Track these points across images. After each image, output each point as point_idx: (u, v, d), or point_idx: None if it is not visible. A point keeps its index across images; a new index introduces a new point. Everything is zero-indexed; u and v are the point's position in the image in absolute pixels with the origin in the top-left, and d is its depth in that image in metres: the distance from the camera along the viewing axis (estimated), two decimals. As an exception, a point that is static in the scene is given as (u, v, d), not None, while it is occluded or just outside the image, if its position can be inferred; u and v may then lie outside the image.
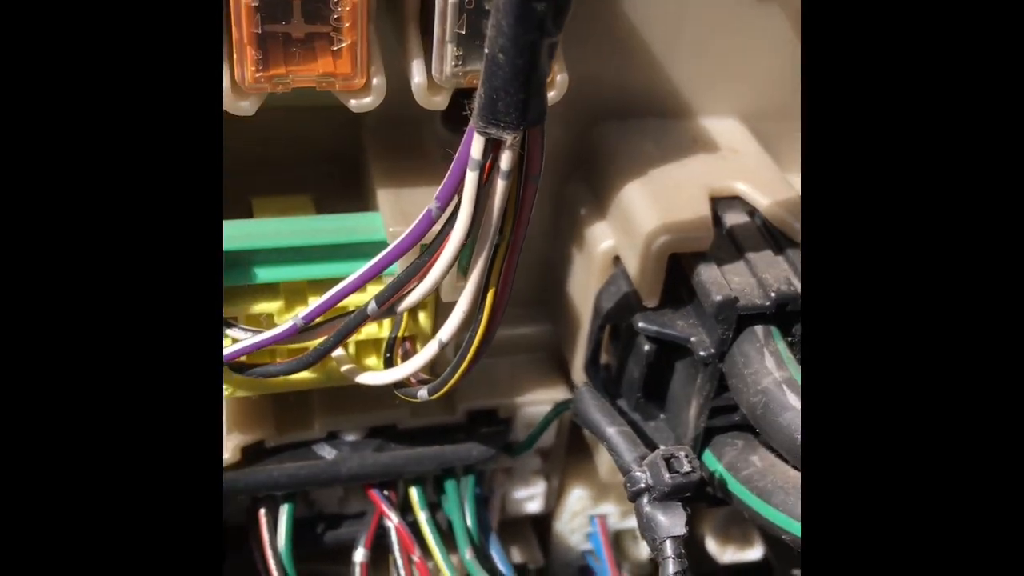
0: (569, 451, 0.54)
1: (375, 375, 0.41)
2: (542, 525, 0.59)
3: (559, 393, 0.51)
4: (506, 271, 0.36)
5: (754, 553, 0.61)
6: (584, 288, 0.47)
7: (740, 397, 0.41)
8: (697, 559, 0.63)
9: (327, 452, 0.48)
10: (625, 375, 0.46)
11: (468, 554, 0.48)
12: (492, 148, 0.32)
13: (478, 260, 0.36)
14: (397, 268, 0.38)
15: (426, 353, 0.39)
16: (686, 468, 0.39)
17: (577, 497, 0.56)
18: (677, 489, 0.39)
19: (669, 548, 0.39)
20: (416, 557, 0.48)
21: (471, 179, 0.33)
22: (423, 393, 0.41)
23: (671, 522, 0.39)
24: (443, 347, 0.38)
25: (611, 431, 0.42)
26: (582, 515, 0.57)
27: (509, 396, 0.50)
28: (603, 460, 0.49)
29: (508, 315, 0.52)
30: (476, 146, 0.32)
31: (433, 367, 0.44)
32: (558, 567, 0.59)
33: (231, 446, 0.46)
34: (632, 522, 0.58)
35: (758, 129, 0.47)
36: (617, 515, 0.57)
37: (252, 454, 0.47)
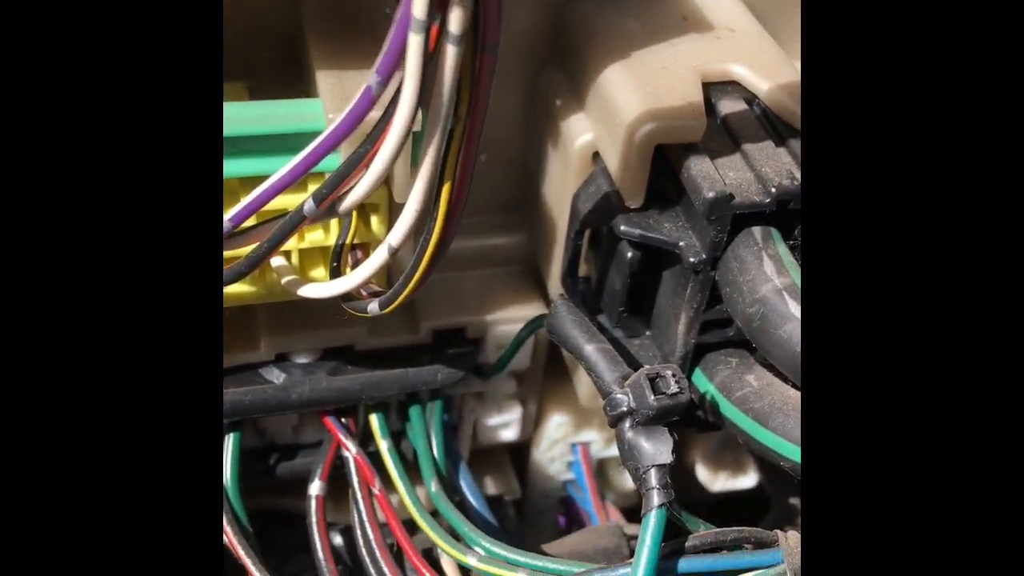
0: (548, 374, 0.49)
1: (319, 287, 0.36)
2: (520, 454, 0.54)
3: (534, 310, 0.46)
4: (463, 162, 0.31)
5: (748, 480, 0.58)
6: (561, 190, 0.41)
7: (735, 308, 0.36)
8: (686, 487, 0.59)
9: (275, 376, 0.43)
10: (606, 287, 0.41)
11: (434, 486, 0.44)
12: (438, 6, 0.27)
13: (429, 149, 0.30)
14: (339, 161, 0.33)
15: (374, 261, 0.34)
16: (673, 389, 0.34)
17: (556, 424, 0.51)
18: (663, 412, 0.34)
19: (654, 478, 0.34)
20: (376, 489, 0.44)
21: (415, 44, 0.27)
22: (373, 307, 0.36)
23: (656, 449, 0.35)
24: (394, 253, 0.34)
25: (589, 349, 0.37)
26: (562, 443, 0.53)
27: (479, 313, 0.45)
28: (583, 383, 0.45)
29: (478, 224, 0.47)
30: (418, 2, 0.26)
31: (389, 278, 0.39)
32: (537, 498, 0.55)
33: (166, 369, 0.41)
34: (615, 450, 0.54)
35: (756, 6, 0.42)
36: (600, 442, 0.53)
37: (191, 378, 0.42)
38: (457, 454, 0.47)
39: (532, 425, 0.51)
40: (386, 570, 0.42)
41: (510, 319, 0.46)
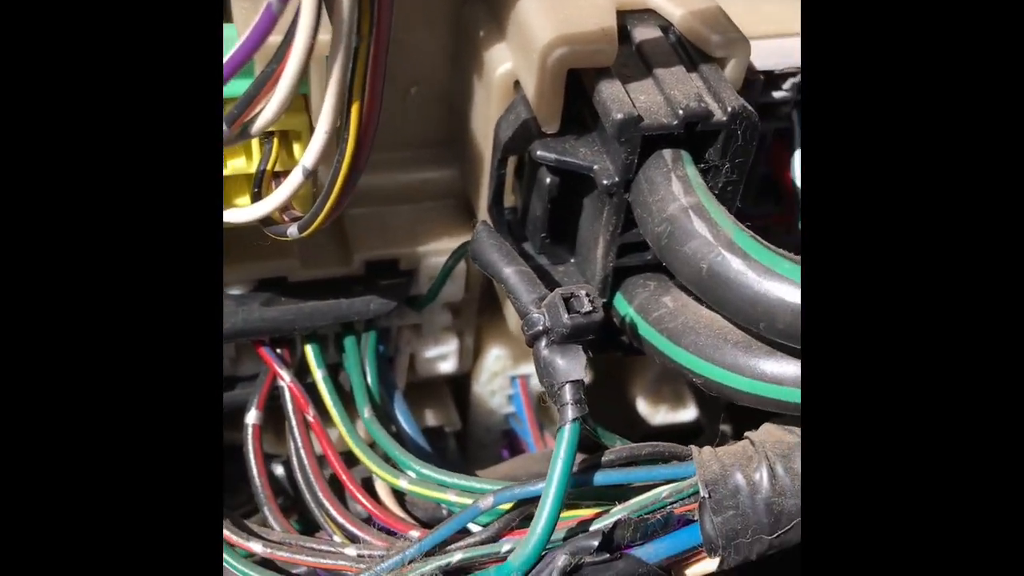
0: (486, 308, 0.50)
1: (239, 211, 0.37)
2: (462, 388, 0.55)
3: (465, 240, 0.47)
4: (371, 81, 0.32)
5: (687, 414, 0.59)
6: (485, 120, 0.42)
7: (645, 228, 0.37)
8: (629, 422, 0.60)
9: (209, 307, 0.44)
10: (529, 214, 0.42)
11: (367, 412, 0.45)
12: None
13: (334, 68, 0.31)
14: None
15: (289, 183, 0.35)
16: (587, 307, 0.35)
17: (495, 357, 0.52)
18: (577, 330, 0.35)
19: (568, 393, 0.35)
20: (311, 416, 0.45)
21: (310, -40, 0.28)
22: (293, 230, 0.36)
23: (569, 366, 0.35)
24: (309, 175, 0.34)
25: (508, 271, 0.38)
26: (502, 376, 0.54)
27: (411, 245, 0.46)
28: (512, 311, 0.45)
29: (410, 158, 0.48)
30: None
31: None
32: (480, 431, 0.56)
33: (98, 300, 0.42)
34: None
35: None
36: (539, 375, 0.54)
37: (124, 309, 0.42)
38: (392, 385, 0.48)
39: (471, 358, 0.52)
40: (323, 498, 0.43)
41: (442, 251, 0.46)
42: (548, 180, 0.39)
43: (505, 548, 0.39)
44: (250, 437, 0.45)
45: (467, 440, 0.56)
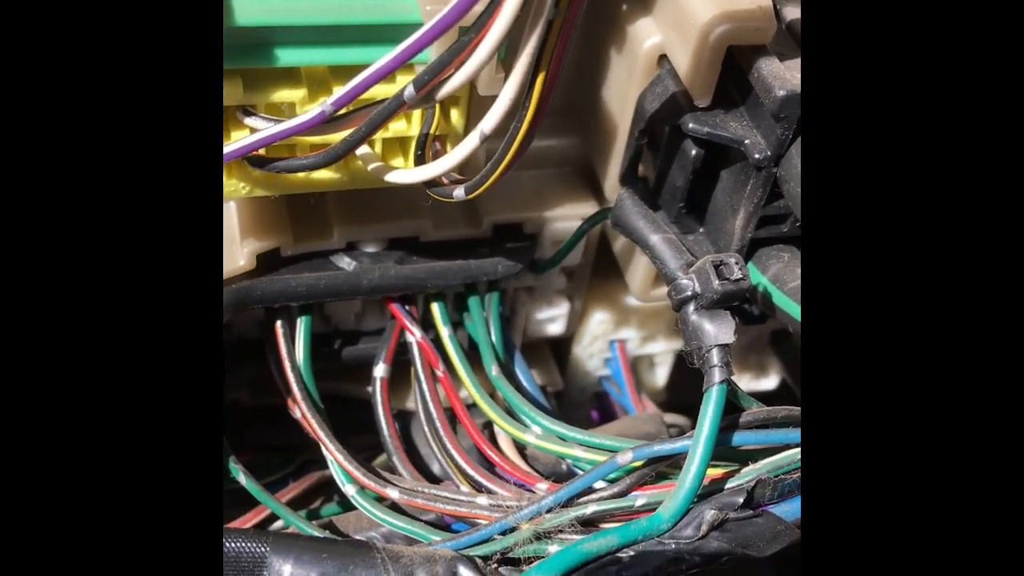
0: (593, 273, 0.52)
1: (406, 173, 0.39)
2: (559, 349, 0.57)
3: (588, 208, 0.48)
4: (559, 53, 0.33)
5: (770, 383, 0.61)
6: (623, 92, 0.43)
7: (796, 202, 0.38)
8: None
9: (346, 263, 0.45)
10: (666, 184, 0.43)
11: (495, 370, 0.47)
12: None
13: (531, 39, 0.32)
14: (430, 54, 0.35)
15: (466, 146, 0.36)
16: (736, 275, 0.37)
17: (599, 321, 0.54)
18: (726, 296, 0.37)
19: (716, 356, 0.37)
20: (440, 371, 0.46)
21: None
22: (459, 192, 0.38)
23: (718, 330, 0.37)
24: (485, 140, 0.36)
25: (655, 238, 0.40)
26: (602, 339, 0.55)
27: (536, 210, 0.48)
28: (636, 278, 0.47)
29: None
30: None
31: (462, 170, 0.41)
32: (574, 392, 0.58)
33: (246, 252, 0.43)
34: (650, 348, 0.57)
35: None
36: (637, 341, 0.56)
37: (267, 262, 0.44)
38: (512, 343, 0.49)
39: (576, 321, 0.54)
40: (452, 449, 0.45)
41: (564, 216, 0.48)
42: (693, 152, 0.41)
43: (639, 502, 0.41)
44: (379, 389, 0.46)
45: (561, 399, 0.58)
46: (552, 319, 0.53)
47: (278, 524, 0.48)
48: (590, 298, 0.54)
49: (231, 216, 0.44)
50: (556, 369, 0.56)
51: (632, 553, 0.36)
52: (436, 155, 0.40)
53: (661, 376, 0.59)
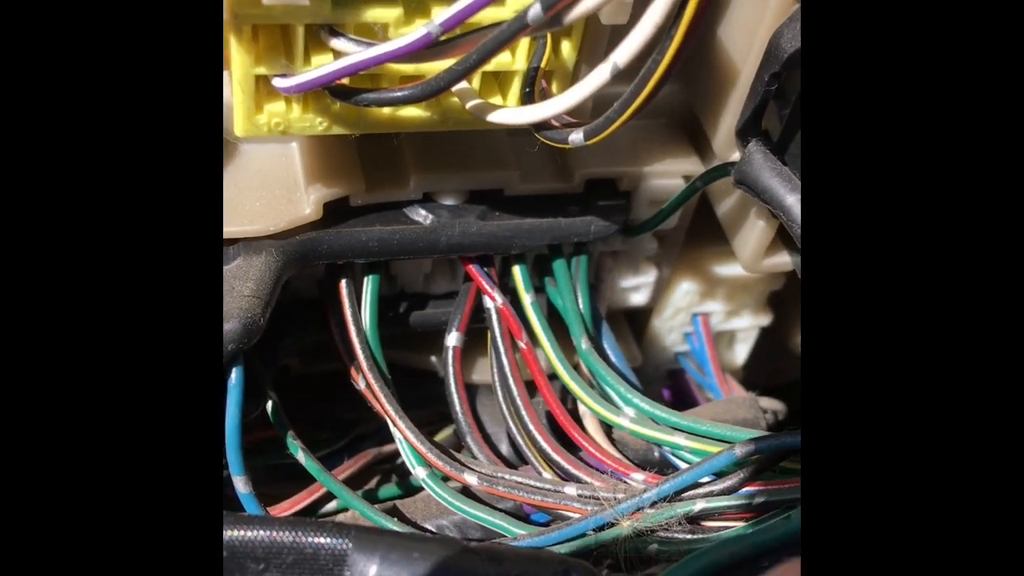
0: (688, 239, 0.47)
1: (513, 112, 0.33)
2: (634, 322, 0.52)
3: (689, 165, 0.43)
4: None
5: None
6: (750, 29, 0.38)
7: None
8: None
9: (422, 216, 0.40)
10: (796, 140, 0.38)
11: (584, 343, 0.42)
12: None
13: (687, -48, 0.27)
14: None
15: (593, 81, 0.31)
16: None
17: (684, 291, 0.49)
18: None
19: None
20: (523, 343, 0.41)
21: None
22: (576, 137, 0.32)
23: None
24: (616, 73, 0.30)
25: (792, 200, 0.35)
26: (685, 312, 0.50)
27: (633, 164, 0.42)
28: (747, 245, 0.41)
29: (631, 69, 0.44)
30: None
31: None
32: (649, 368, 0.53)
33: (312, 199, 0.38)
34: (734, 324, 0.52)
35: None
36: (722, 315, 0.51)
37: (335, 212, 0.39)
38: (599, 314, 0.44)
39: (661, 291, 0.49)
40: (535, 431, 0.40)
41: (663, 173, 0.43)
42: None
43: (758, 500, 0.36)
44: (451, 360, 0.41)
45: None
46: (637, 288, 0.48)
47: (331, 506, 0.44)
48: (677, 266, 0.48)
49: (294, 159, 0.39)
50: (634, 343, 0.51)
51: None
52: (542, 93, 0.35)
53: (741, 354, 0.54)
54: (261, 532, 0.29)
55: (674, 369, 0.54)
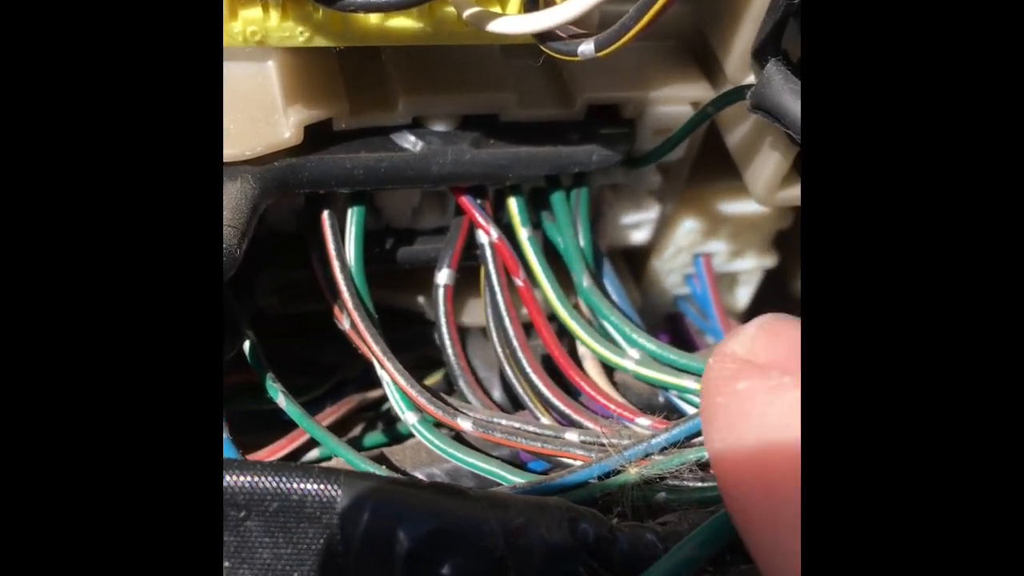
0: (693, 173, 0.44)
1: (516, 21, 0.30)
2: (632, 262, 0.49)
3: (698, 91, 0.40)
4: None
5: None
6: (769, -60, 0.35)
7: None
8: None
9: (411, 143, 0.37)
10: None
11: (586, 280, 0.39)
12: None
13: None
14: None
15: (606, -17, 0.28)
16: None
17: (687, 230, 0.46)
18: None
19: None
20: (520, 280, 0.39)
21: None
22: (586, 48, 0.29)
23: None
24: (631, -25, 0.27)
25: (817, 121, 0.32)
26: (687, 252, 0.48)
27: (638, 89, 0.39)
28: (761, 177, 0.39)
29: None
30: None
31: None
32: (645, 312, 0.50)
33: (292, 122, 0.34)
34: (737, 265, 0.50)
35: None
36: (725, 255, 0.49)
37: (317, 137, 0.36)
38: (600, 251, 0.42)
39: (661, 229, 0.46)
40: (532, 374, 0.37)
41: (670, 99, 0.40)
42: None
43: (773, 445, 0.34)
44: (442, 299, 0.39)
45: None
46: (638, 225, 0.45)
47: (313, 454, 0.41)
48: (680, 202, 0.46)
49: (272, 78, 0.36)
50: (633, 284, 0.48)
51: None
52: (547, 2, 0.32)
53: (743, 297, 0.52)
54: (242, 477, 0.26)
55: (672, 313, 0.51)
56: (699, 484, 0.34)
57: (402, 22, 0.32)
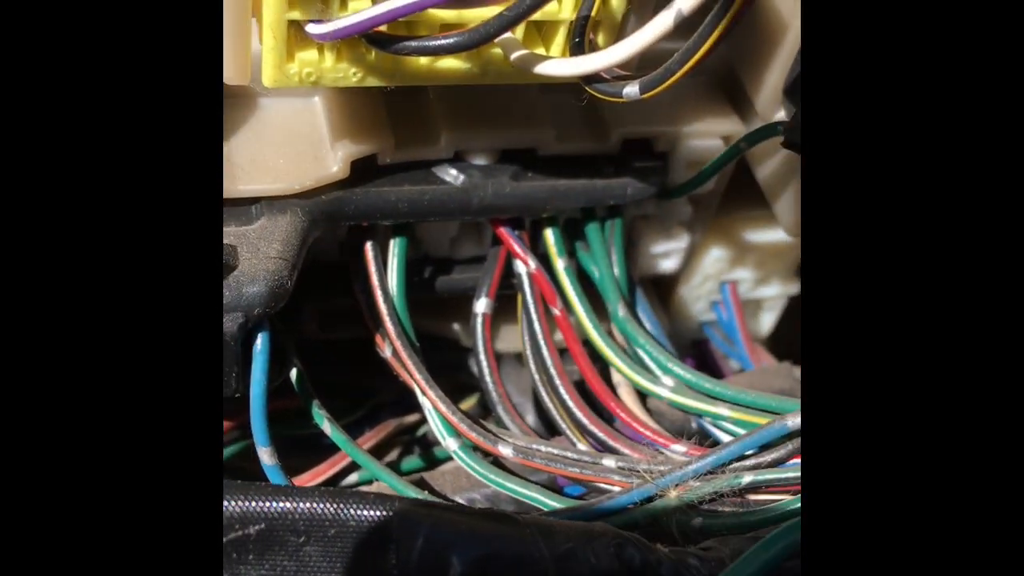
0: (722, 204, 0.45)
1: (562, 64, 0.31)
2: (659, 289, 0.50)
3: (729, 125, 0.41)
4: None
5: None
6: (801, -17, 0.36)
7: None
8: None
9: (452, 176, 0.38)
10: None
11: (621, 309, 0.40)
12: None
13: None
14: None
15: (654, 29, 0.29)
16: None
17: (714, 259, 0.47)
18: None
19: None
20: (558, 310, 0.40)
21: None
22: (631, 90, 0.31)
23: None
24: (681, 21, 0.28)
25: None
26: (714, 280, 0.49)
27: (671, 124, 0.41)
28: (789, 210, 0.40)
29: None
30: None
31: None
32: (672, 338, 0.51)
33: (339, 156, 0.36)
34: (762, 292, 0.51)
35: None
36: (751, 283, 0.50)
37: (362, 171, 0.37)
38: (633, 280, 0.43)
39: (689, 257, 0.47)
40: (570, 401, 0.38)
41: (701, 133, 0.41)
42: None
43: (807, 472, 0.35)
44: (480, 328, 0.40)
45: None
46: (667, 254, 0.46)
47: (352, 479, 0.42)
48: (708, 232, 0.47)
49: (319, 113, 0.37)
50: (662, 311, 0.49)
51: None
52: (592, 44, 0.33)
53: (767, 323, 0.53)
54: (302, 504, 0.27)
55: (698, 339, 0.52)
56: (736, 510, 0.35)
57: (451, 63, 0.33)
